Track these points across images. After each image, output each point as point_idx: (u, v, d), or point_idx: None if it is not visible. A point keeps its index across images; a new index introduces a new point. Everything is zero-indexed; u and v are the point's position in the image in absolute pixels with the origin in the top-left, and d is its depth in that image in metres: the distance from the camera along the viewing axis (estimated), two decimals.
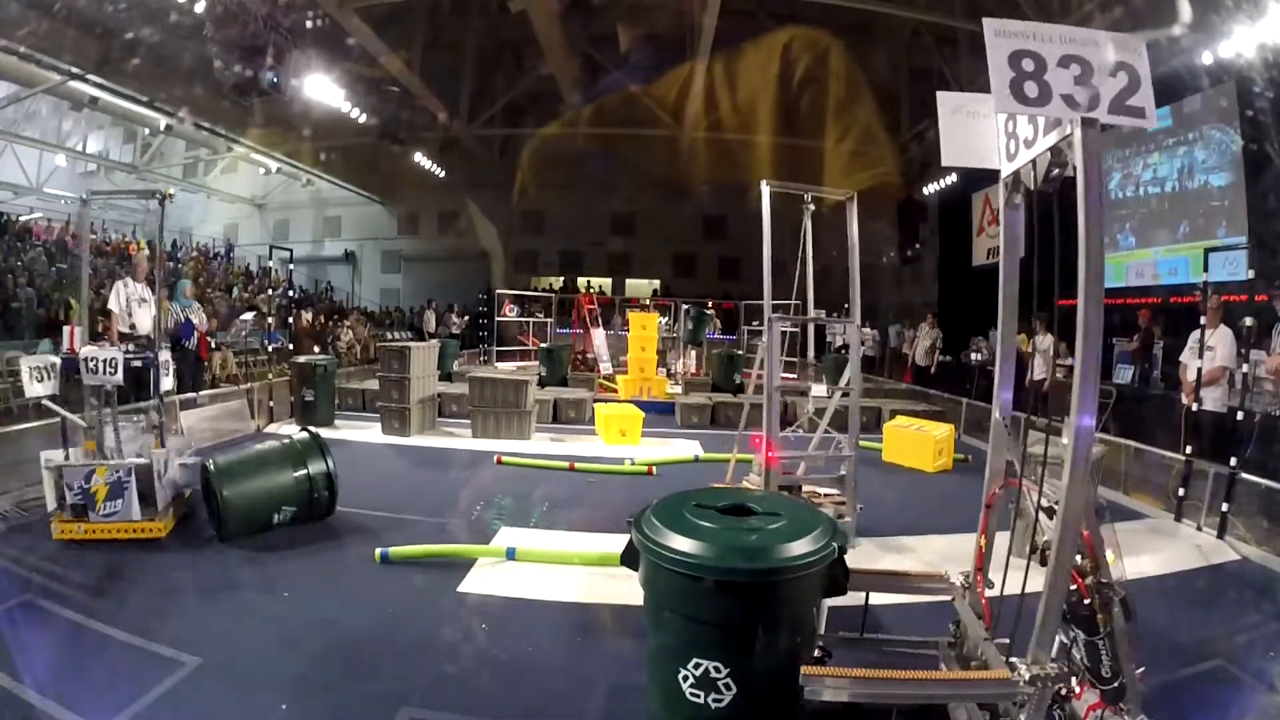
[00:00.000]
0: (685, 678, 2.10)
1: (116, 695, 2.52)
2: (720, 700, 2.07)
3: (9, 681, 2.57)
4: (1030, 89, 1.87)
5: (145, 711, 2.47)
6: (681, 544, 2.11)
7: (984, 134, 2.59)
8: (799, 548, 2.10)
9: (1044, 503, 2.22)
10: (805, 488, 4.62)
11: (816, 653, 2.45)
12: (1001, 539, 2.47)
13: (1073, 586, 2.02)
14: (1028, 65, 1.87)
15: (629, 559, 2.31)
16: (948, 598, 2.66)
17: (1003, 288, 2.61)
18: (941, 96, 2.69)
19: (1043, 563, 2.06)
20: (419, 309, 20.05)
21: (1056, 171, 2.13)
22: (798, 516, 2.34)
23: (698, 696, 2.10)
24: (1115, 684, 1.99)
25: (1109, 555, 2.10)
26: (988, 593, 2.49)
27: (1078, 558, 2.04)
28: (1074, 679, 2.07)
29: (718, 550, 2.08)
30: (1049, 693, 1.92)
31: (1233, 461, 4.82)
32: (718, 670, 2.06)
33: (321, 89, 12.57)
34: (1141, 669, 2.04)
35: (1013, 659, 2.05)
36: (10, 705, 2.46)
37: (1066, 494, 1.88)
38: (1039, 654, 1.92)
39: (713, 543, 2.11)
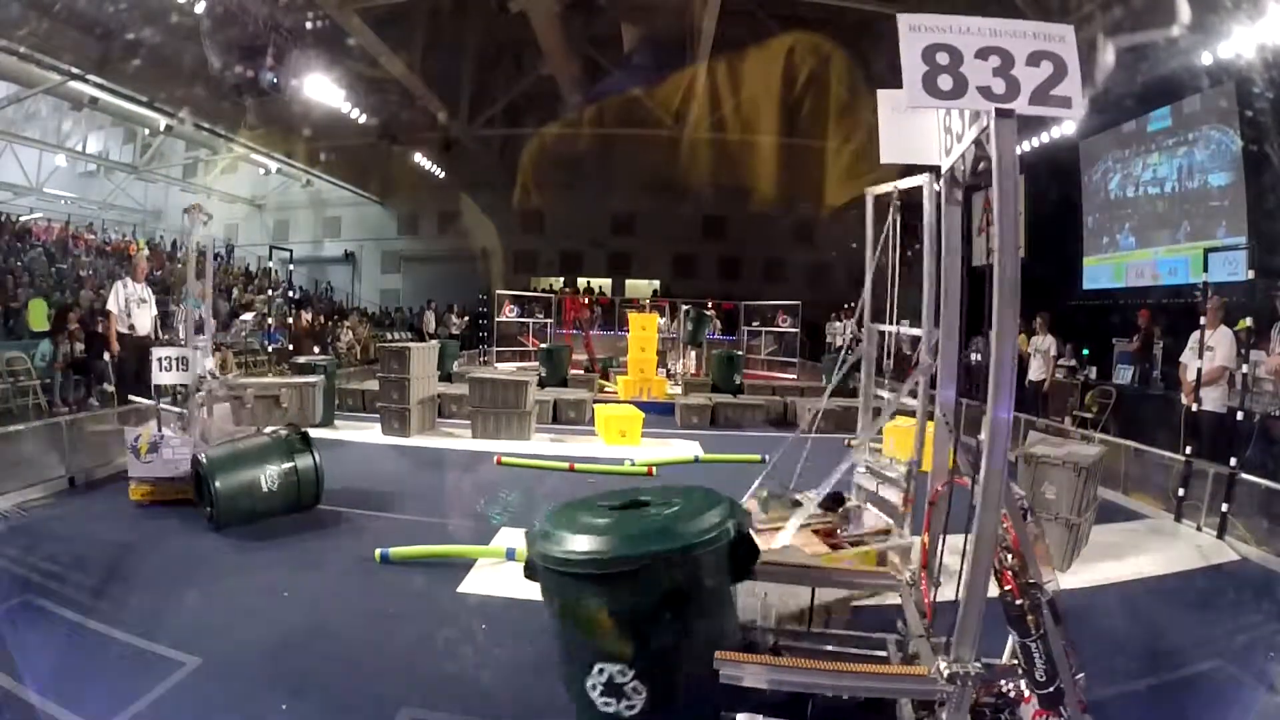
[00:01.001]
0: (594, 686, 1.99)
1: (117, 695, 2.51)
2: (633, 707, 1.96)
3: (9, 681, 2.57)
4: (945, 82, 1.84)
5: (145, 711, 2.46)
6: (570, 541, 2.01)
7: (924, 131, 2.59)
8: (684, 529, 1.98)
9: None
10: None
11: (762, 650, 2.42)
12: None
13: (1006, 587, 2.00)
14: (943, 59, 1.85)
15: (530, 570, 2.22)
16: (895, 595, 2.65)
17: (945, 286, 2.61)
18: (882, 94, 2.69)
19: None
20: (419, 309, 20.05)
21: (983, 165, 2.11)
22: (691, 504, 2.18)
23: (609, 705, 1.98)
24: (1051, 689, 1.97)
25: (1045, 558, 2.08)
26: (935, 592, 2.47)
27: (1008, 557, 2.02)
28: (1024, 682, 2.06)
29: (599, 542, 1.98)
30: (969, 691, 1.89)
31: (1233, 462, 4.82)
32: (623, 674, 1.95)
33: (321, 89, 12.57)
34: (1081, 675, 2.02)
35: (940, 657, 2.02)
36: (10, 705, 2.46)
37: (984, 488, 1.86)
38: (961, 651, 1.90)
39: (591, 535, 2.02)
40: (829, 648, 2.57)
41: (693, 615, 2.02)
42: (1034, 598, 1.97)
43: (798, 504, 3.89)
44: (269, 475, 4.53)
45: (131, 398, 5.44)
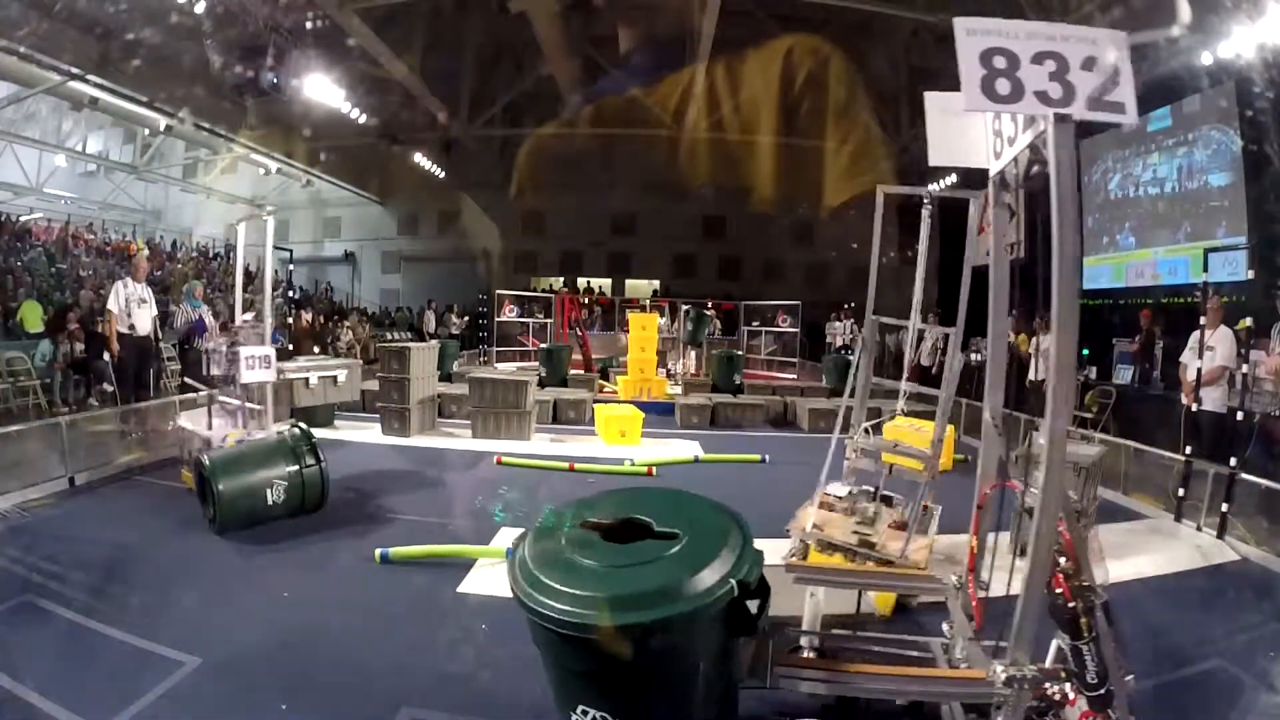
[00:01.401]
0: None
1: (117, 695, 2.51)
2: None
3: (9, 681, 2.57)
4: (1002, 86, 1.84)
5: (145, 711, 2.46)
6: (551, 594, 1.83)
7: (971, 133, 2.56)
8: (684, 592, 1.76)
9: (1030, 503, 2.19)
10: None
11: (808, 652, 2.40)
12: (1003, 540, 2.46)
13: (1057, 590, 1.99)
14: (999, 63, 1.84)
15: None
16: (940, 598, 2.64)
17: (993, 290, 2.59)
18: (929, 96, 2.67)
19: None
20: (419, 309, 20.06)
21: (1037, 168, 2.11)
22: (698, 539, 1.91)
23: None
24: (1102, 691, 1.95)
25: (1097, 559, 2.07)
26: (981, 594, 2.46)
27: (1061, 560, 2.00)
28: (1069, 685, 2.05)
29: (579, 604, 1.77)
30: (1026, 695, 1.88)
31: (1233, 462, 4.82)
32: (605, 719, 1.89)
33: (321, 89, 12.56)
34: (1131, 676, 2.00)
35: (995, 660, 2.01)
36: (10, 705, 2.46)
37: (1043, 493, 1.86)
38: (1017, 655, 1.89)
39: (576, 587, 1.80)
40: (875, 650, 2.54)
41: (688, 671, 1.86)
42: (1088, 600, 1.95)
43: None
44: (275, 485, 4.42)
45: (222, 398, 5.48)
